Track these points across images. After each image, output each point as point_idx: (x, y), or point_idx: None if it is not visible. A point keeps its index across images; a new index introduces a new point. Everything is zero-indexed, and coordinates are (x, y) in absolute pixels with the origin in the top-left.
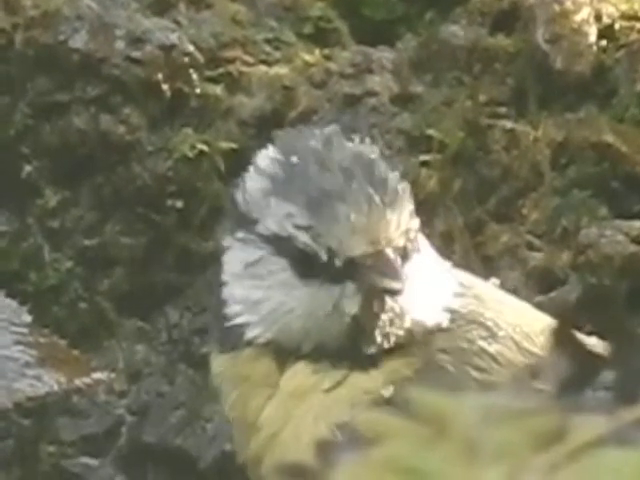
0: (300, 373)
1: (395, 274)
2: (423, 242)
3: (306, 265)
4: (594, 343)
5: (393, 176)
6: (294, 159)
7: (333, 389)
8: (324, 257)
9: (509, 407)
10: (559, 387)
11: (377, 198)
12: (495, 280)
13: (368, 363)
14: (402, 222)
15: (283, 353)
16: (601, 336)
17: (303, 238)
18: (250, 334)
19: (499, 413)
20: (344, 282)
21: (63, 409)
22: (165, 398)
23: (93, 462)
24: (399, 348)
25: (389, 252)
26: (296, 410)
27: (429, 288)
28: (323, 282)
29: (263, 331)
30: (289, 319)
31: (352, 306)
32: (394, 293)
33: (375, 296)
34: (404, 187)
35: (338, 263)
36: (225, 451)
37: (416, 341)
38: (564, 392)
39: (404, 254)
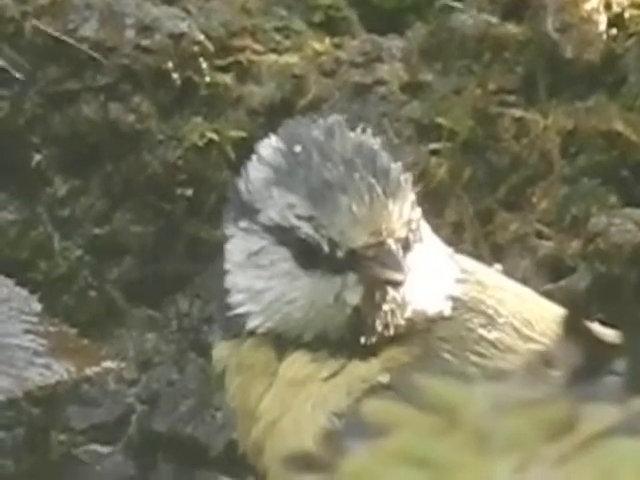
0: (298, 362)
1: (397, 265)
2: (425, 228)
3: (308, 255)
4: (605, 332)
5: (395, 166)
6: (296, 149)
7: (331, 378)
8: (326, 248)
9: (519, 397)
10: (570, 376)
11: (379, 189)
12: (498, 266)
13: (366, 352)
14: (404, 213)
15: (283, 342)
16: (611, 324)
17: (305, 229)
18: (252, 324)
19: (509, 403)
20: (346, 273)
21: (73, 398)
22: (175, 387)
23: (103, 450)
24: (398, 337)
25: (391, 243)
26: (294, 399)
27: (431, 276)
28: (325, 273)
29: (264, 321)
30: (290, 309)
31: (353, 297)
32: (396, 284)
33: (377, 287)
34: (406, 178)
35: (340, 254)
36: (234, 439)
37: (417, 330)
38: (575, 381)
39: (406, 245)
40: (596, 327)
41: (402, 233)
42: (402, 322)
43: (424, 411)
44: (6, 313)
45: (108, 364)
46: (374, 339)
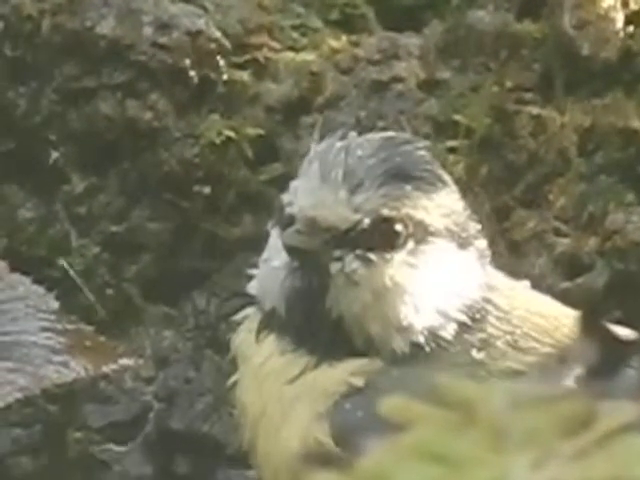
0: (267, 350)
1: (307, 233)
2: (471, 240)
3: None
4: (621, 330)
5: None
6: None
7: (300, 377)
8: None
9: (537, 393)
10: (587, 373)
11: (346, 177)
12: (526, 282)
13: (343, 353)
14: (366, 205)
15: (259, 326)
16: (628, 321)
17: (286, 207)
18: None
19: (527, 399)
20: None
21: (90, 395)
22: (192, 384)
23: (120, 449)
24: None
25: (320, 218)
26: (269, 394)
27: (441, 296)
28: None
29: (258, 309)
30: (270, 296)
31: (296, 280)
32: (295, 250)
33: (289, 254)
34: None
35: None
36: None
37: (423, 355)
38: (592, 378)
39: (372, 237)
40: (612, 326)
41: (363, 224)
42: (403, 345)
43: (442, 408)
44: (23, 310)
45: (125, 362)
46: (330, 335)
